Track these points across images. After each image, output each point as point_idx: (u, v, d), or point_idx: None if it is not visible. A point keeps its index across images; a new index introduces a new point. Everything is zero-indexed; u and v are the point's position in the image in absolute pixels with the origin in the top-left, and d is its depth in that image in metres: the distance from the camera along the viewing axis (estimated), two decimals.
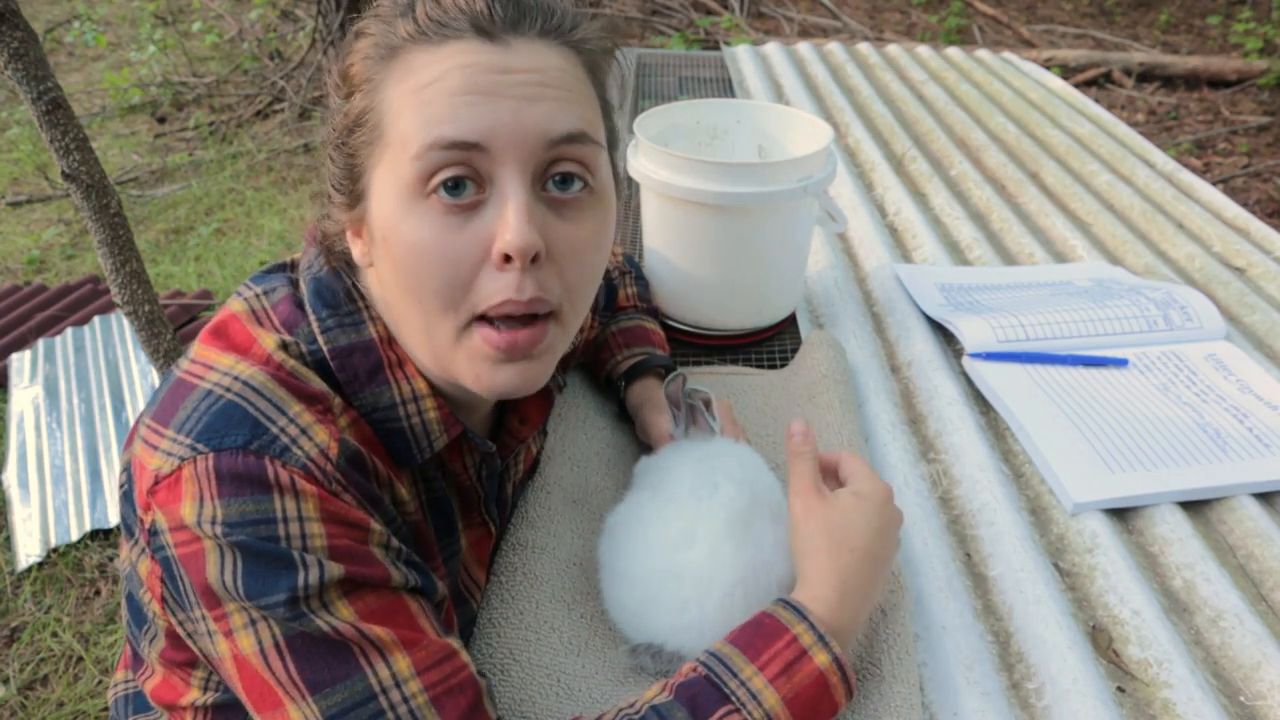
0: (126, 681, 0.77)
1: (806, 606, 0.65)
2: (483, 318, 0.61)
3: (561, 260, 0.62)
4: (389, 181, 0.60)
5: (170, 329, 1.74)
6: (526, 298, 0.60)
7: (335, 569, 0.56)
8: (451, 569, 0.74)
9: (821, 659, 0.62)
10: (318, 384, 0.62)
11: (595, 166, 0.63)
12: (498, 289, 0.59)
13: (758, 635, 0.64)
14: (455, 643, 0.60)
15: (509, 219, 0.58)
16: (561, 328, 0.65)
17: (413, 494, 0.68)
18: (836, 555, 0.67)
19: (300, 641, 0.55)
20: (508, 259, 0.58)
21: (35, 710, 1.73)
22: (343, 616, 0.56)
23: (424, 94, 0.58)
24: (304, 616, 0.55)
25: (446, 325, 0.61)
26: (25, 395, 2.53)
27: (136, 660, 0.71)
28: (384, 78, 0.60)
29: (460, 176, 0.58)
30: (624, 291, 1.08)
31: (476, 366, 0.63)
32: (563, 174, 0.61)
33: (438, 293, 0.60)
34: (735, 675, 0.61)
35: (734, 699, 0.60)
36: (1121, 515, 0.91)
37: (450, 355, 0.63)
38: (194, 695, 0.67)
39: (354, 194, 0.63)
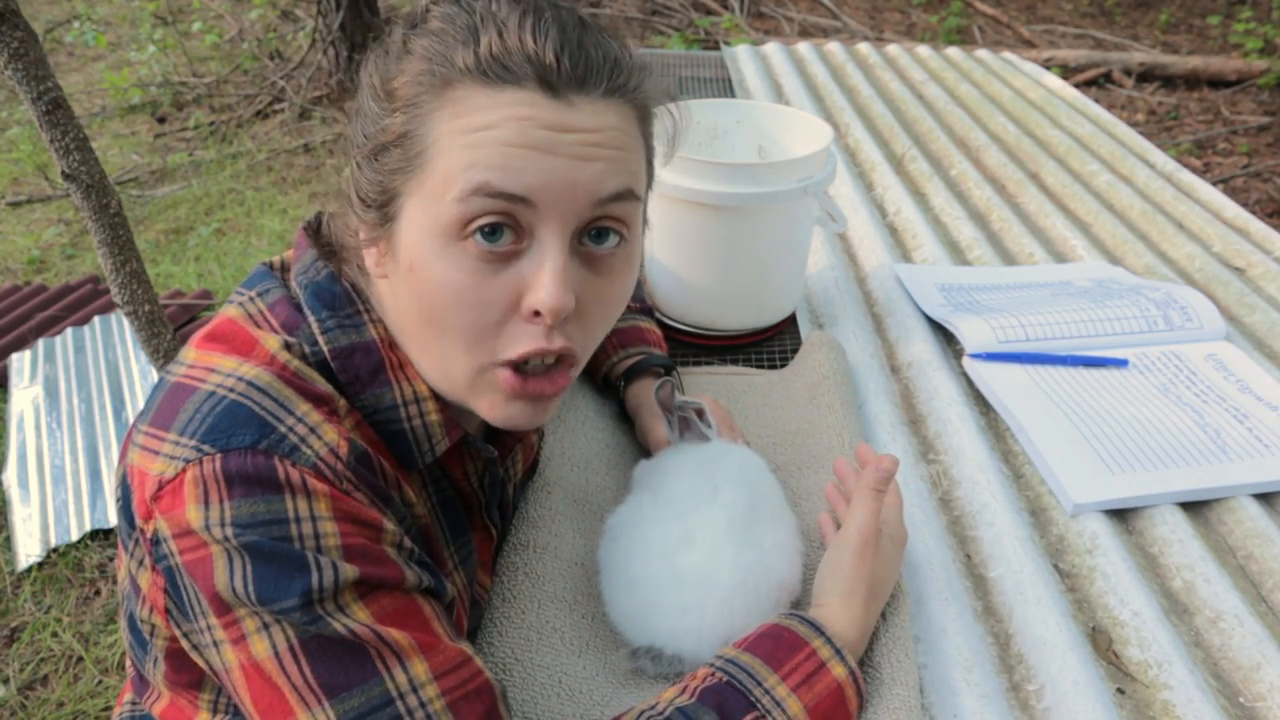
0: (132, 704, 0.76)
1: (825, 624, 0.67)
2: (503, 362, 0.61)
3: (587, 313, 0.62)
4: (424, 215, 0.58)
5: (170, 329, 1.74)
6: (556, 346, 0.60)
7: (350, 570, 0.55)
8: (467, 570, 0.73)
9: (839, 671, 0.65)
10: (323, 385, 0.61)
11: (633, 222, 0.63)
12: (524, 338, 0.59)
13: (778, 647, 0.65)
14: (468, 648, 0.60)
15: (545, 279, 0.57)
16: (576, 369, 0.65)
17: (421, 497, 0.68)
18: (869, 601, 0.71)
19: (316, 644, 0.54)
20: (537, 314, 0.58)
21: (35, 710, 1.73)
22: (359, 618, 0.55)
23: (476, 137, 0.56)
24: (320, 619, 0.54)
25: (466, 363, 0.61)
26: (25, 395, 2.53)
27: (141, 683, 0.70)
28: (434, 107, 0.58)
29: (500, 224, 0.57)
30: None
31: (492, 399, 0.63)
32: (600, 229, 0.61)
33: (461, 333, 0.59)
34: (760, 683, 0.62)
35: (760, 705, 0.61)
36: (1121, 516, 0.91)
37: (465, 387, 0.63)
38: (204, 717, 0.66)
39: (384, 213, 0.61)
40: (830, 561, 0.73)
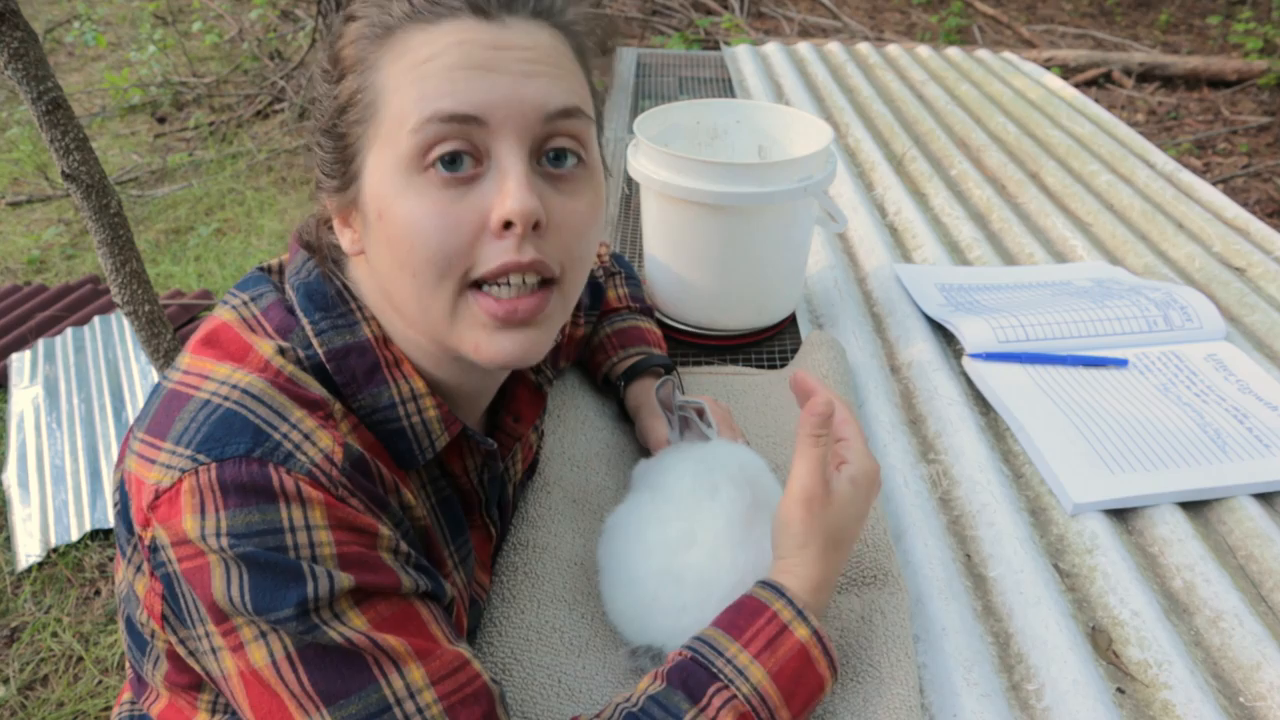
0: (131, 704, 0.76)
1: (785, 585, 0.67)
2: (478, 285, 0.61)
3: (560, 230, 0.62)
4: (385, 158, 0.60)
5: (170, 329, 1.74)
6: (527, 259, 0.60)
7: (345, 579, 0.55)
8: (466, 569, 0.73)
9: (802, 633, 0.65)
10: (318, 390, 0.61)
11: (587, 141, 0.64)
12: (496, 254, 0.59)
13: (739, 615, 0.66)
14: (467, 650, 0.60)
15: (509, 188, 0.58)
16: (562, 297, 0.65)
17: (420, 498, 0.68)
18: (826, 553, 0.68)
19: (313, 652, 0.55)
20: (508, 226, 0.59)
21: (35, 710, 1.73)
22: (355, 626, 0.55)
23: (421, 69, 0.58)
24: (316, 628, 0.54)
25: (442, 296, 0.61)
26: (25, 395, 2.53)
27: (140, 684, 0.70)
28: (379, 57, 0.60)
29: (458, 151, 0.58)
30: (615, 292, 1.08)
31: (476, 335, 0.62)
32: (557, 150, 0.62)
33: (432, 261, 0.59)
34: (721, 654, 0.63)
35: (722, 676, 0.62)
36: (1121, 516, 0.91)
37: (447, 327, 0.62)
38: (202, 718, 0.66)
39: (346, 176, 0.63)
40: (779, 520, 0.69)
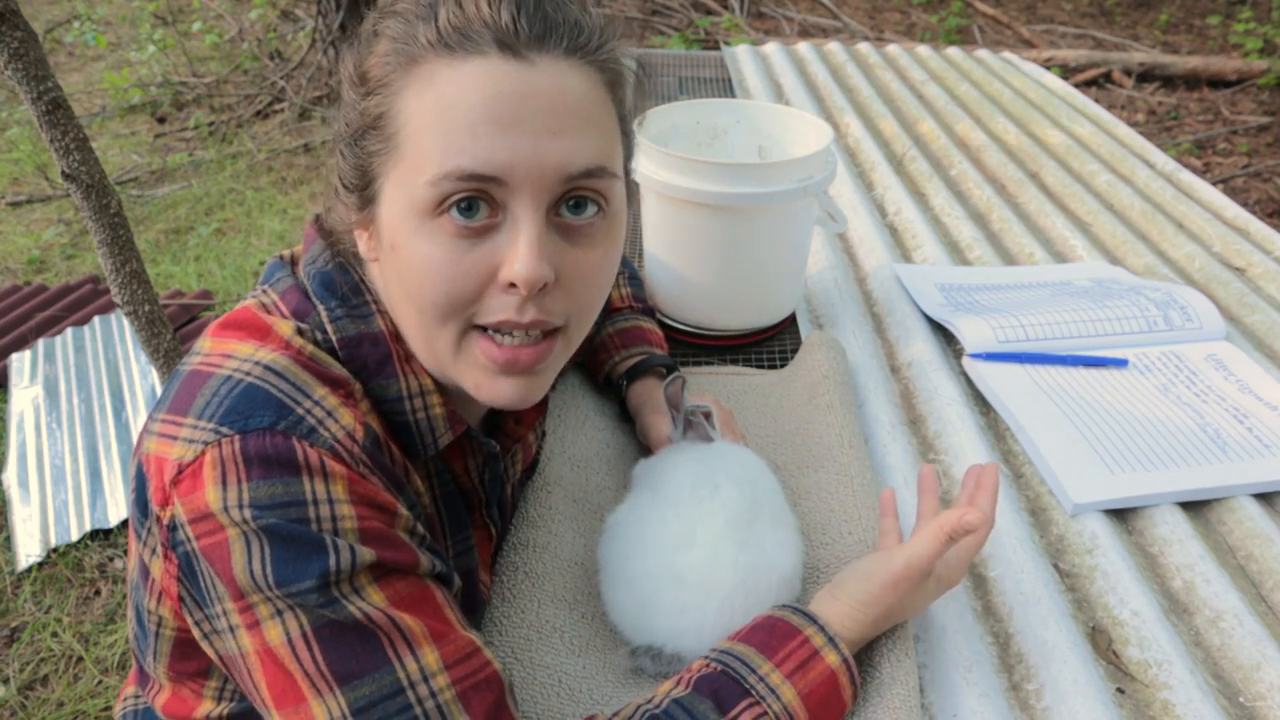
0: (136, 697, 0.76)
1: (819, 615, 0.67)
2: (480, 327, 0.62)
3: (570, 284, 0.62)
4: (401, 195, 0.59)
5: (170, 329, 1.74)
6: (526, 320, 0.60)
7: (367, 553, 0.55)
8: (464, 563, 0.74)
9: (832, 659, 0.65)
10: (339, 369, 0.62)
11: (610, 195, 0.63)
12: (500, 307, 0.60)
13: (772, 636, 0.66)
14: (478, 638, 0.60)
15: (519, 250, 0.58)
16: (566, 343, 0.66)
17: (425, 487, 0.69)
18: (879, 621, 0.69)
19: (329, 631, 0.55)
20: (513, 285, 0.59)
21: (35, 710, 1.73)
22: (374, 602, 0.55)
23: (444, 116, 0.57)
24: (335, 602, 0.54)
25: (445, 334, 0.62)
26: (25, 395, 2.53)
27: (144, 677, 0.70)
28: (403, 85, 0.59)
29: (474, 199, 0.58)
30: (617, 292, 1.08)
31: (477, 375, 0.63)
32: (577, 199, 0.61)
33: (438, 305, 0.60)
34: (754, 671, 0.63)
35: (754, 693, 0.62)
36: (1121, 516, 0.91)
37: (450, 362, 0.64)
38: (208, 707, 0.66)
39: (364, 196, 0.63)
40: (865, 569, 0.70)
